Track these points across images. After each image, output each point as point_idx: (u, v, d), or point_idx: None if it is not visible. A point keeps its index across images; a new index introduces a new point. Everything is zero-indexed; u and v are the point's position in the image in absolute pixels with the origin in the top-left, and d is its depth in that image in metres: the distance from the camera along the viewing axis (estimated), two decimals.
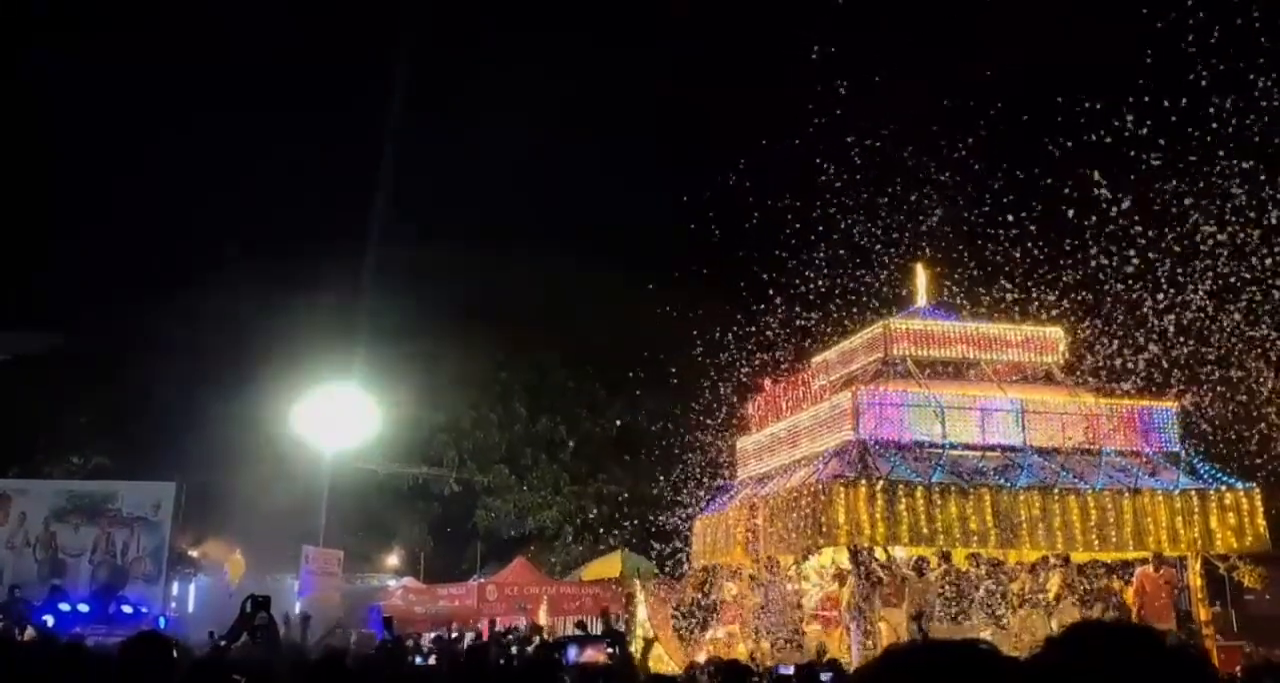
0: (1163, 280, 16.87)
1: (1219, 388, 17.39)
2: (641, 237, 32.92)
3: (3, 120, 32.55)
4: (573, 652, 8.98)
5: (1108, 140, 16.04)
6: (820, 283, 20.63)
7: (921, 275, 18.18)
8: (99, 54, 34.67)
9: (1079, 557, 15.22)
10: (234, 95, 38.87)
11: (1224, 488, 15.53)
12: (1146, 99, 15.77)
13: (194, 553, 25.23)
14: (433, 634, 21.11)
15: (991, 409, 15.72)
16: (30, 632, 15.71)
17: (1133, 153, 16.03)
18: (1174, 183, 15.96)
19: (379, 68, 45.52)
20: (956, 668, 1.78)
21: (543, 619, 23.01)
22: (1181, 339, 16.96)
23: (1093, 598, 15.02)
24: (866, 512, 14.17)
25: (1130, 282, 16.91)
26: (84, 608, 19.70)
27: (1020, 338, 16.99)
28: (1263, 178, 15.57)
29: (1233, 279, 16.58)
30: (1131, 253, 16.60)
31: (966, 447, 15.47)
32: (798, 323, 20.83)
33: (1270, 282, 16.24)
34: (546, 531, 33.67)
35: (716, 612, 17.68)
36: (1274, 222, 15.83)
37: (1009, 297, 18.01)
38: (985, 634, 13.40)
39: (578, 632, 17.94)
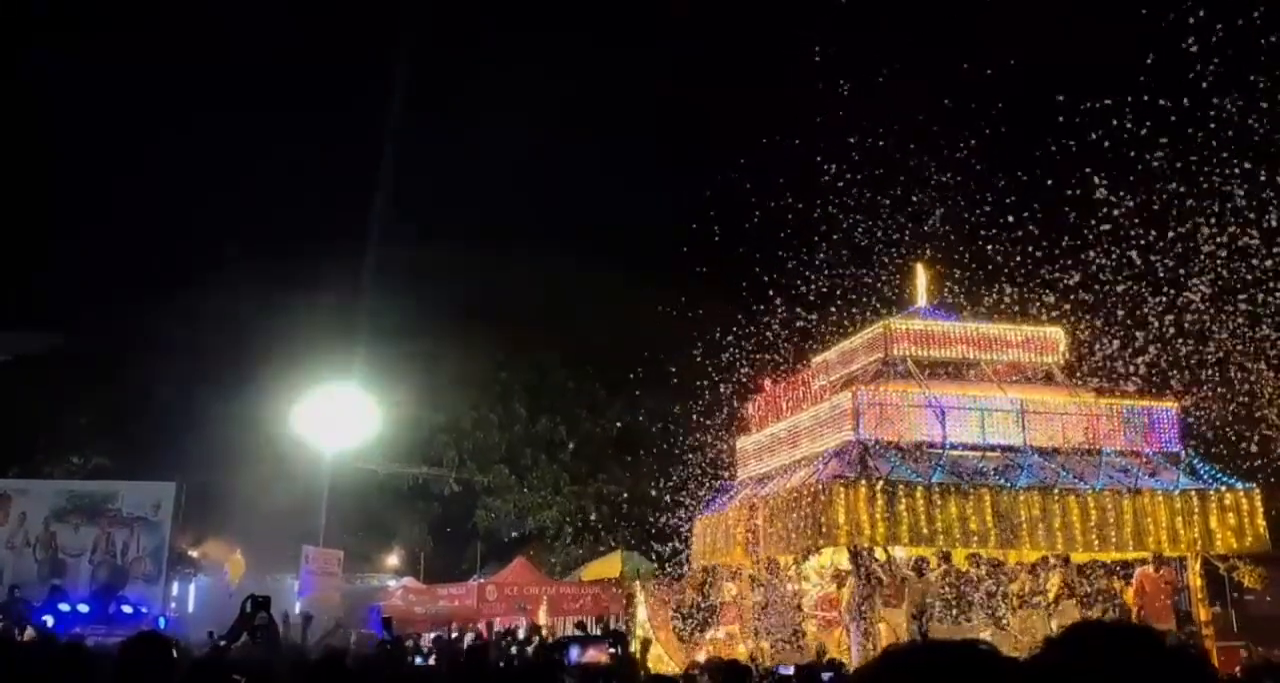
0: (1163, 281, 16.88)
1: (1219, 389, 17.39)
2: (641, 237, 32.95)
3: (3, 120, 32.59)
4: (574, 652, 8.98)
5: (1107, 142, 16.04)
6: (820, 283, 20.64)
7: (921, 276, 18.18)
8: (99, 54, 34.72)
9: (1079, 557, 15.22)
10: (234, 95, 38.93)
11: (1224, 488, 15.53)
12: (1145, 99, 15.78)
13: (194, 553, 25.23)
14: (433, 635, 21.12)
15: (991, 409, 15.72)
16: (30, 632, 15.71)
17: (1133, 154, 16.04)
18: (1174, 183, 15.96)
19: (379, 68, 45.61)
20: (956, 668, 1.78)
21: (542, 620, 23.01)
22: (1181, 340, 16.96)
23: (1093, 598, 15.02)
24: (866, 512, 14.17)
25: (1130, 282, 16.91)
26: (84, 608, 19.71)
27: (1020, 338, 16.99)
28: (1263, 178, 15.57)
29: (1233, 280, 16.58)
30: (1133, 254, 16.60)
31: (966, 447, 15.46)
32: (798, 323, 20.83)
33: (1271, 283, 16.24)
34: (546, 531, 33.67)
35: (716, 612, 17.69)
36: (1274, 222, 15.83)
37: (1009, 297, 18.02)
38: (985, 635, 13.40)
39: (577, 633, 17.95)
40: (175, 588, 23.05)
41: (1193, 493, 15.32)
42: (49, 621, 18.21)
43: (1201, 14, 14.49)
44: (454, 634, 20.69)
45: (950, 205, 20.46)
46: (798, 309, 20.78)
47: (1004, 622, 14.66)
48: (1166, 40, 15.10)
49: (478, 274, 32.55)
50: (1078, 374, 17.12)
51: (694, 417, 23.79)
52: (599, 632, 18.04)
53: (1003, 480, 14.91)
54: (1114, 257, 16.81)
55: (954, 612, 14.59)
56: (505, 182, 40.60)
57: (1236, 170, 15.62)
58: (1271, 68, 14.72)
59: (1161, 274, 16.81)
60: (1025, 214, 17.78)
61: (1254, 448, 17.52)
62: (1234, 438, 17.68)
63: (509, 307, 33.15)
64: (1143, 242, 16.52)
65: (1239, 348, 17.09)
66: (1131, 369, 16.75)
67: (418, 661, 15.46)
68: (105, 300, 31.49)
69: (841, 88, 19.57)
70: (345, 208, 41.52)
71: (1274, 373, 17.39)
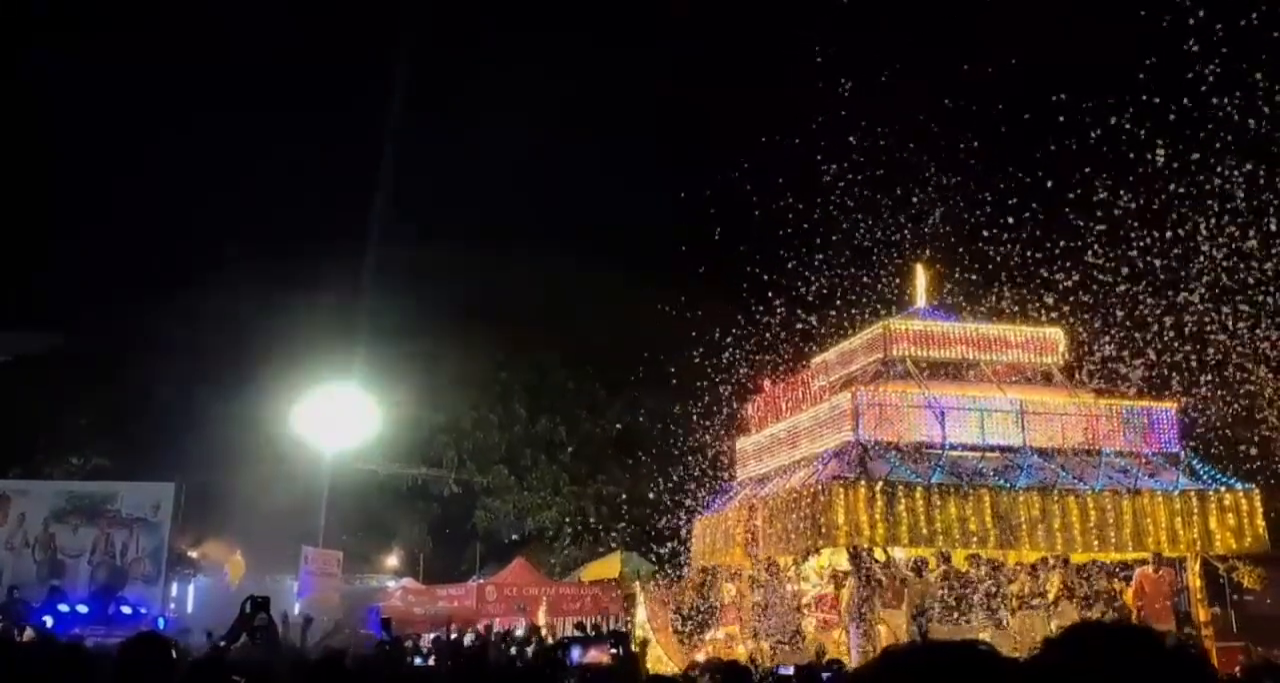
0: (1163, 283, 16.88)
1: (1219, 389, 17.40)
2: (641, 237, 32.94)
3: (3, 120, 32.58)
4: (576, 652, 8.97)
5: (1107, 142, 16.05)
6: (820, 283, 20.64)
7: (921, 276, 18.18)
8: (99, 54, 34.70)
9: (1078, 558, 15.22)
10: (234, 95, 38.91)
11: (1223, 489, 15.53)
12: (1145, 99, 15.78)
13: (193, 554, 25.21)
14: (433, 635, 21.10)
15: (991, 410, 15.72)
16: (29, 632, 15.70)
17: (1133, 155, 16.04)
18: (1174, 183, 15.96)
19: (379, 68, 45.57)
20: (955, 668, 1.78)
21: (542, 620, 23.00)
22: (1180, 341, 16.96)
23: (1092, 599, 15.02)
24: (866, 513, 14.17)
25: (1130, 283, 16.91)
26: (83, 609, 19.68)
27: (1020, 339, 16.99)
28: (1262, 181, 15.58)
29: (1232, 281, 16.58)
30: (1133, 254, 16.61)
31: (966, 448, 15.46)
32: (798, 324, 20.84)
33: (1271, 283, 16.25)
34: (546, 531, 33.66)
35: (716, 613, 17.69)
36: (1274, 223, 15.83)
37: (1008, 297, 18.02)
38: (984, 635, 13.40)
39: (576, 634, 17.94)
40: (174, 589, 23.02)
41: (1192, 494, 15.32)
42: (48, 621, 18.19)
43: (1201, 14, 14.49)
44: (453, 635, 20.66)
45: (950, 205, 20.47)
46: (797, 310, 20.80)
47: (1003, 623, 14.66)
48: (1166, 40, 15.11)
49: (478, 274, 32.56)
50: (1077, 375, 17.13)
51: (694, 417, 23.80)
52: (598, 632, 18.01)
53: (1002, 481, 14.91)
54: (1113, 257, 16.82)
55: (954, 613, 14.59)
56: (505, 182, 40.62)
57: (1237, 172, 15.63)
58: (1272, 68, 14.73)
59: (1161, 275, 16.83)
60: (1025, 214, 17.80)
61: (1254, 451, 17.54)
62: (1233, 439, 17.69)
63: (509, 307, 33.16)
64: (1142, 242, 16.53)
65: (1239, 349, 17.10)
66: (1131, 370, 16.75)
67: (417, 661, 15.45)
68: (105, 300, 31.51)
69: (842, 88, 19.59)
70: (345, 208, 41.54)
71: (1273, 374, 17.40)
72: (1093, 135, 16.18)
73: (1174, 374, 17.01)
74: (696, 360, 23.13)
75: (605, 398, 34.58)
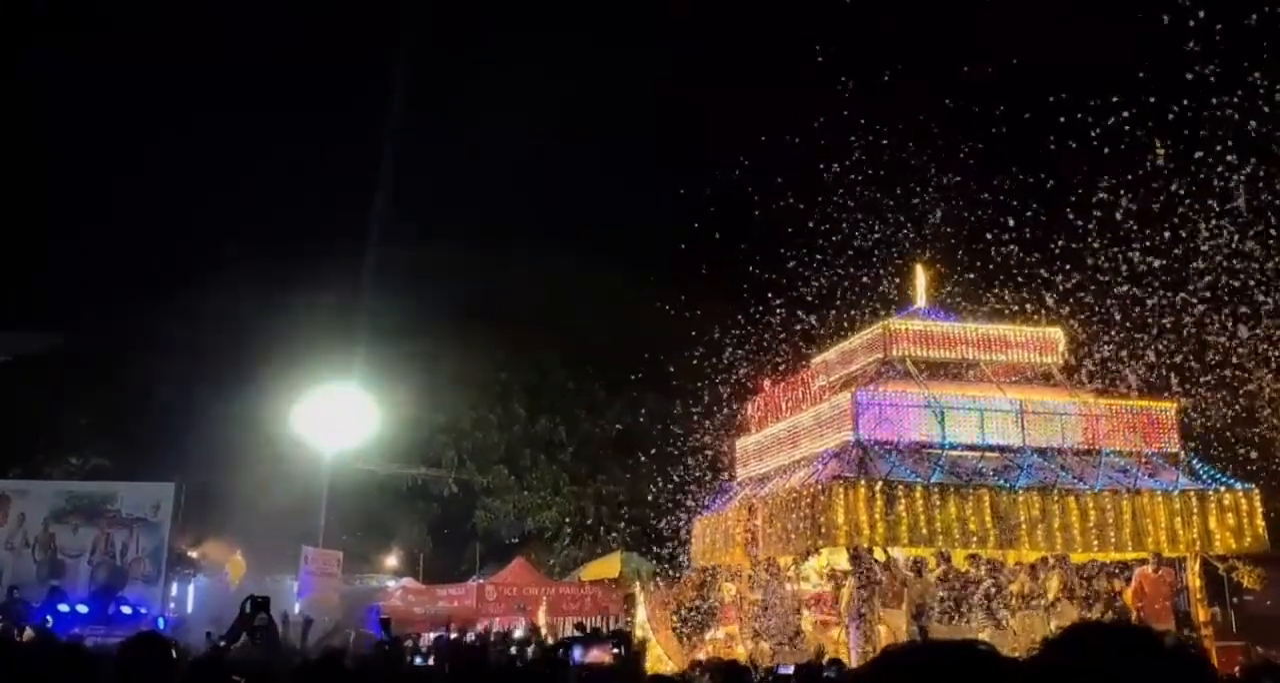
0: (1163, 282, 16.89)
1: (1218, 390, 17.40)
2: (641, 237, 32.94)
3: (3, 120, 32.57)
4: (578, 652, 8.96)
5: (1107, 142, 16.05)
6: (820, 283, 20.65)
7: (921, 276, 18.17)
8: (99, 54, 34.69)
9: (1078, 558, 15.22)
10: (234, 95, 38.89)
11: (1223, 489, 15.53)
12: (1142, 98, 15.79)
13: (193, 554, 25.21)
14: (433, 635, 21.10)
15: (991, 410, 15.71)
16: (29, 633, 15.70)
17: (1133, 155, 16.05)
18: (1174, 184, 15.97)
19: (379, 68, 45.52)
20: (955, 668, 1.78)
21: (542, 620, 22.99)
22: (1180, 341, 16.97)
23: (1092, 599, 15.03)
24: (866, 513, 14.17)
25: (1130, 283, 16.92)
26: (83, 609, 19.68)
27: (1020, 338, 16.98)
28: (1261, 184, 15.58)
29: (1232, 281, 16.59)
30: (1134, 255, 16.61)
31: (966, 447, 15.46)
32: (798, 324, 20.85)
33: (1271, 283, 16.26)
34: (546, 531, 33.66)
35: (716, 613, 17.69)
36: (1274, 223, 15.83)
37: (1008, 297, 18.03)
38: (984, 635, 13.40)
39: (577, 634, 17.92)
40: (174, 589, 23.03)
41: (1192, 493, 15.32)
42: (48, 621, 18.19)
43: (1201, 16, 14.49)
44: (453, 635, 20.67)
45: (950, 205, 20.48)
46: (797, 310, 20.82)
47: (1003, 623, 14.66)
48: (1166, 40, 15.12)
49: (478, 274, 32.55)
50: (1077, 375, 17.13)
51: (694, 417, 23.81)
52: (598, 632, 18.01)
53: (1002, 481, 14.91)
54: (1113, 257, 16.83)
55: (953, 613, 14.59)
56: (505, 182, 40.60)
57: (1238, 175, 15.63)
58: (1271, 68, 14.73)
59: (1161, 275, 16.83)
60: (1027, 214, 17.81)
61: (1254, 451, 17.55)
62: (1233, 439, 17.70)
63: (509, 307, 33.16)
64: (1143, 242, 16.54)
65: (1239, 349, 17.10)
66: (1131, 370, 16.76)
67: (417, 661, 15.46)
68: (105, 300, 31.50)
69: (842, 88, 19.60)
70: (345, 208, 41.49)
71: (1273, 374, 17.40)
72: (1093, 135, 16.19)
73: (1174, 374, 17.03)
74: (696, 360, 23.16)
75: (605, 398, 34.57)
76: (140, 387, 28.80)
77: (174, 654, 4.55)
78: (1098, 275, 17.09)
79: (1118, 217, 16.39)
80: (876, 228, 20.51)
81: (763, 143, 22.42)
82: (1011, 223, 17.90)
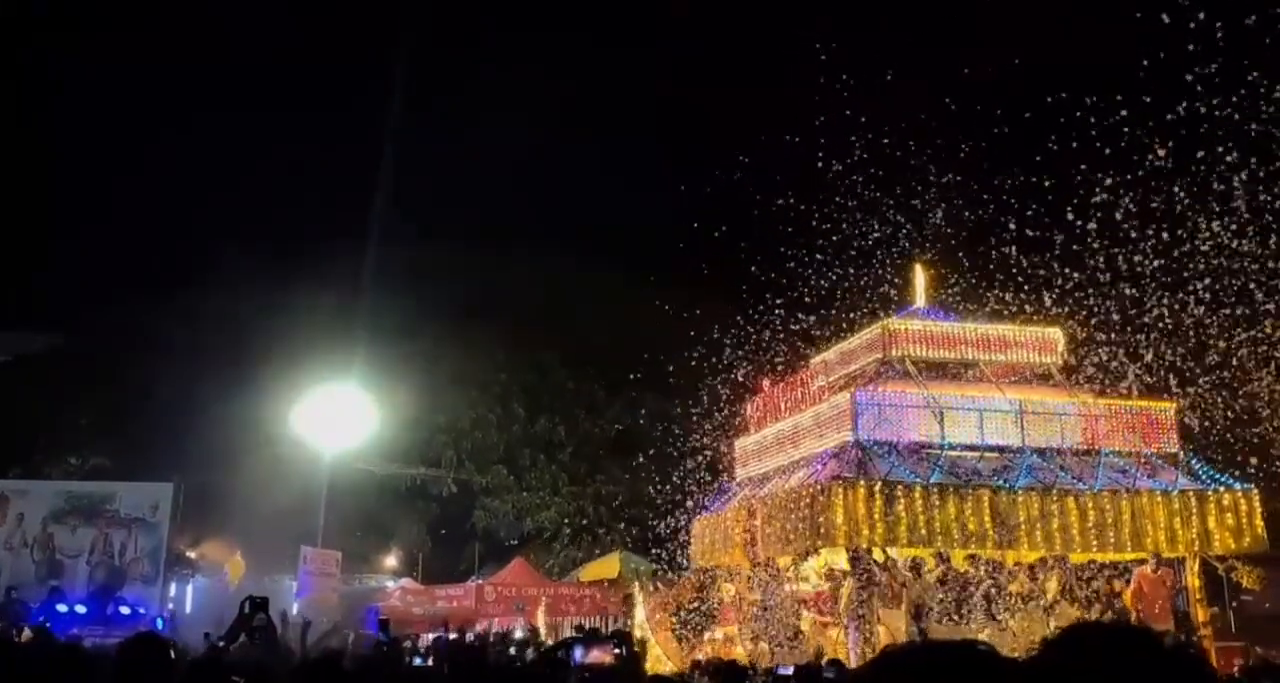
0: (1162, 284, 16.89)
1: (1218, 390, 17.41)
2: (641, 237, 32.94)
3: (3, 120, 32.56)
4: (579, 652, 8.95)
5: (1107, 142, 16.05)
6: (820, 283, 20.66)
7: (921, 276, 18.18)
8: (99, 54, 34.68)
9: (1077, 558, 15.22)
10: (234, 95, 38.83)
11: (1222, 489, 15.53)
12: (1142, 98, 15.78)
13: (192, 554, 25.21)
14: (433, 635, 21.10)
15: (990, 410, 15.71)
16: (28, 633, 15.69)
17: (1133, 155, 16.05)
18: (1174, 184, 15.97)
19: (379, 68, 45.45)
20: (955, 668, 1.78)
21: (541, 621, 22.99)
22: (1180, 341, 16.97)
23: (1091, 599, 15.03)
24: (865, 513, 14.17)
25: (1130, 283, 16.93)
26: (82, 609, 19.68)
27: (1019, 339, 16.99)
28: (1261, 184, 15.58)
29: (1232, 281, 16.59)
30: (1134, 255, 16.61)
31: (965, 448, 15.46)
32: (797, 324, 20.85)
33: (1271, 283, 16.26)
34: (545, 531, 33.66)
35: (715, 614, 17.68)
36: (1274, 224, 15.84)
37: (1008, 297, 18.03)
38: (984, 635, 13.40)
39: (577, 634, 17.91)
40: (173, 589, 23.02)
41: (1191, 494, 15.32)
42: (46, 621, 18.17)
43: (1202, 17, 14.49)
44: (452, 635, 20.67)
45: (950, 205, 20.49)
46: (797, 310, 20.82)
47: (1003, 622, 14.66)
48: (1167, 40, 15.12)
49: (478, 274, 32.51)
50: (1076, 375, 17.13)
51: (693, 417, 23.81)
52: (598, 633, 18.00)
53: (1001, 481, 14.91)
54: (1113, 257, 16.83)
55: (952, 613, 14.59)
56: (505, 182, 40.51)
57: (1238, 174, 15.63)
58: (1272, 68, 14.73)
59: (1161, 275, 16.84)
60: (1027, 214, 17.81)
61: (1254, 451, 17.55)
62: (1233, 439, 17.70)
63: (509, 307, 33.14)
64: (1142, 243, 16.54)
65: (1239, 350, 17.10)
66: (1130, 370, 16.76)
67: (416, 661, 15.45)
68: (105, 300, 31.46)
69: (842, 88, 19.59)
70: (345, 208, 41.40)
71: (1272, 374, 17.40)
72: (1093, 135, 16.19)
73: (1173, 374, 17.03)
74: (696, 360, 23.17)
75: (605, 398, 34.56)
76: (140, 387, 28.76)
77: (172, 655, 4.54)
78: (1098, 275, 17.10)
79: (1118, 217, 16.39)
80: (876, 228, 20.53)
81: (763, 143, 22.47)
82: (1011, 223, 17.90)
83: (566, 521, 33.43)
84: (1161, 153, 15.69)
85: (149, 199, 33.58)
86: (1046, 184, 17.43)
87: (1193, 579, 15.56)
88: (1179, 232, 16.31)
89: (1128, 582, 15.31)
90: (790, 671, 10.73)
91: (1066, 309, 17.42)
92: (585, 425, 34.59)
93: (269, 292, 28.34)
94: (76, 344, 30.73)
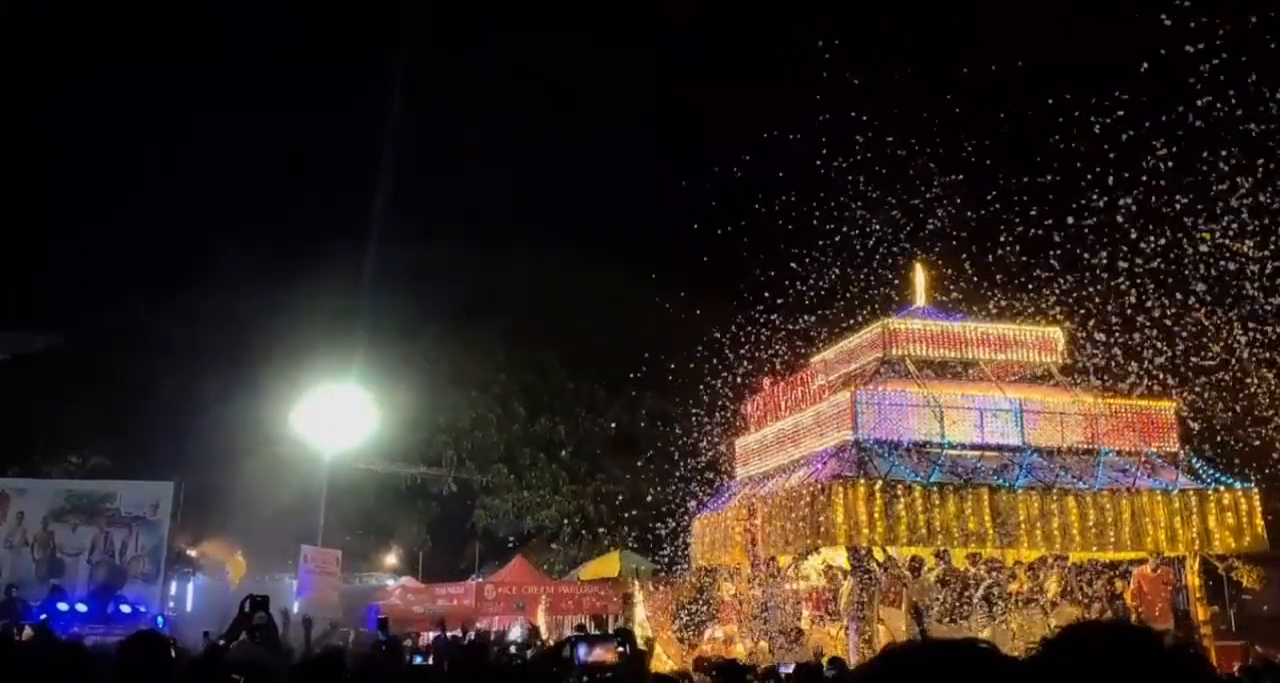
0: (1162, 285, 16.89)
1: (1218, 390, 17.40)
2: (641, 237, 32.95)
3: (3, 120, 32.56)
4: (582, 650, 8.92)
5: (1107, 142, 16.04)
6: (820, 283, 20.65)
7: (921, 275, 18.18)
8: (99, 54, 34.69)
9: (1077, 557, 15.22)
10: (234, 95, 38.83)
11: (1223, 488, 15.54)
12: (1137, 97, 15.78)
13: (192, 552, 25.22)
14: (432, 634, 21.11)
15: (990, 409, 15.73)
16: (29, 631, 15.69)
17: (1133, 155, 16.04)
18: (1174, 184, 15.97)
19: (379, 68, 45.47)
20: (955, 667, 1.78)
21: (541, 620, 22.99)
22: (1180, 341, 16.97)
23: (1091, 598, 15.04)
24: (865, 512, 14.17)
25: (1130, 282, 16.92)
26: (82, 608, 19.68)
27: (1019, 338, 16.99)
28: (1258, 184, 15.57)
29: (1233, 281, 16.59)
30: (1134, 255, 16.61)
31: (965, 447, 15.47)
32: (797, 323, 20.84)
33: (1271, 283, 16.26)
34: (545, 530, 33.67)
35: (715, 612, 17.69)
36: (1274, 223, 15.83)
37: (1008, 297, 18.03)
38: (984, 634, 13.40)
39: (577, 634, 17.90)
40: (174, 587, 23.03)
41: (1191, 493, 15.32)
42: (47, 620, 18.18)
43: (1203, 19, 14.49)
44: (451, 634, 20.68)
45: (950, 204, 20.48)
46: (797, 310, 20.81)
47: (1002, 622, 14.66)
48: (1167, 40, 15.11)
49: (478, 274, 32.50)
50: (1076, 374, 17.14)
51: (693, 417, 23.80)
52: (599, 631, 17.99)
53: (1001, 480, 14.92)
54: (1114, 257, 16.83)
55: (953, 612, 14.59)
56: (505, 182, 40.55)
57: (1240, 178, 15.63)
58: (1272, 68, 14.73)
59: (1161, 275, 16.84)
60: (1031, 213, 17.81)
61: (1255, 449, 17.55)
62: (1233, 439, 17.71)
63: (509, 307, 33.15)
64: (1142, 243, 16.54)
65: (1238, 351, 17.10)
66: (1130, 369, 16.76)
67: (416, 660, 15.45)
68: (105, 300, 31.44)
69: (842, 87, 19.59)
70: (345, 208, 41.42)
71: (1273, 374, 17.41)
72: (1094, 134, 16.19)
73: (1173, 374, 17.03)
74: (696, 360, 23.16)
75: (605, 398, 34.55)
76: (140, 387, 28.75)
77: (173, 653, 4.55)
78: (1098, 275, 17.10)
79: (1118, 218, 16.39)
80: (877, 228, 20.53)
81: (763, 142, 22.41)
82: (1012, 222, 17.90)
83: (566, 520, 33.43)
84: (1161, 153, 15.70)
85: (149, 199, 33.63)
86: (1048, 184, 17.43)
87: (1193, 579, 15.57)
88: (1179, 232, 16.32)
89: (1128, 581, 15.31)
90: (791, 669, 10.73)
91: (1067, 308, 17.43)
92: (585, 425, 34.59)
93: (269, 292, 28.37)
94: (76, 344, 30.72)
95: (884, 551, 14.77)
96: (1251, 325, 16.87)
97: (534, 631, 21.39)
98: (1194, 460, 16.03)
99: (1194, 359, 17.23)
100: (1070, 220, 16.99)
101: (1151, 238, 16.49)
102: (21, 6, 34.06)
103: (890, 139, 19.50)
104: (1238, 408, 17.81)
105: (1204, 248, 16.20)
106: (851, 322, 19.07)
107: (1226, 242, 16.10)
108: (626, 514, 31.13)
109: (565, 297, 32.30)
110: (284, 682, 5.51)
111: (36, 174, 33.10)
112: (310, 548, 24.44)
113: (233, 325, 28.35)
